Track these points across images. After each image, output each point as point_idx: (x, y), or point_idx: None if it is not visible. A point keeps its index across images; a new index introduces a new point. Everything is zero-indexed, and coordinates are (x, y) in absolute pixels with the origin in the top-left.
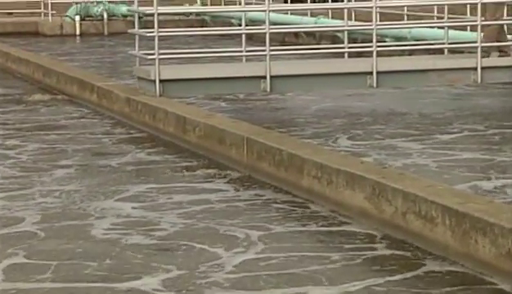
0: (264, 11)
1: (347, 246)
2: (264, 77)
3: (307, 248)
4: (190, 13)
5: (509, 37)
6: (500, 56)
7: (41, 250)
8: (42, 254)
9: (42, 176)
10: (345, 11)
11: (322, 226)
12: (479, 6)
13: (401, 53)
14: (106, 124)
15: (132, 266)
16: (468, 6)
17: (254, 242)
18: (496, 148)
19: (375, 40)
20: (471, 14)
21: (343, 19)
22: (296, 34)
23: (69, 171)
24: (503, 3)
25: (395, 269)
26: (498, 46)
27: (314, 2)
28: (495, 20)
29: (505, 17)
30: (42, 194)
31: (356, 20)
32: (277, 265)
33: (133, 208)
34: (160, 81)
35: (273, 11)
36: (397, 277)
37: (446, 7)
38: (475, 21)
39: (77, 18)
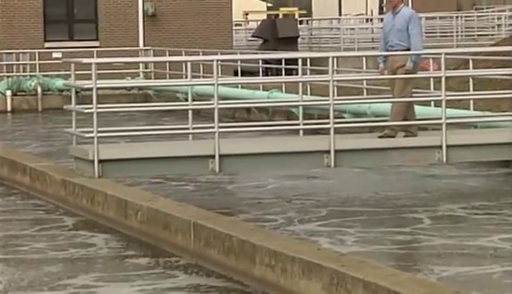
0: (212, 84)
1: None
2: (213, 157)
3: None
4: (133, 87)
5: None
6: (405, 136)
7: None
8: None
9: None
10: (300, 84)
11: None
12: (443, 80)
13: (361, 130)
14: (39, 209)
15: None
16: (431, 79)
17: None
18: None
19: (332, 116)
20: (435, 88)
21: (297, 93)
22: (247, 110)
23: None
24: (413, 79)
25: None
26: (405, 126)
27: (267, 76)
28: (402, 97)
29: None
30: None
31: (312, 94)
32: None
33: None
34: (99, 161)
35: (222, 84)
36: None
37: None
38: (439, 96)
39: (8, 93)
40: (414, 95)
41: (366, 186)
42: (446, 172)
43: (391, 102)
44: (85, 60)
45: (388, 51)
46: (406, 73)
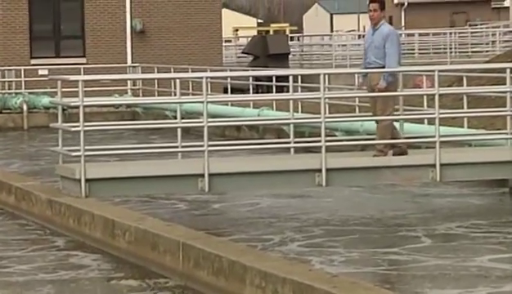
0: (202, 102)
1: None
2: (202, 176)
3: None
4: (120, 105)
5: None
6: (394, 153)
7: None
8: None
9: None
10: (291, 101)
11: None
12: (437, 98)
13: (353, 148)
14: (25, 230)
15: None
16: (425, 97)
17: None
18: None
19: (323, 134)
20: (428, 106)
21: (288, 110)
22: (237, 127)
23: None
24: (392, 98)
25: None
26: (393, 144)
27: (257, 93)
28: (387, 115)
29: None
30: None
31: (303, 111)
32: None
33: None
34: (86, 180)
35: (212, 102)
36: None
37: (401, 98)
38: (433, 113)
39: None
40: (407, 112)
41: (361, 205)
42: (444, 191)
43: (380, 120)
44: (72, 77)
45: (366, 67)
46: (379, 92)
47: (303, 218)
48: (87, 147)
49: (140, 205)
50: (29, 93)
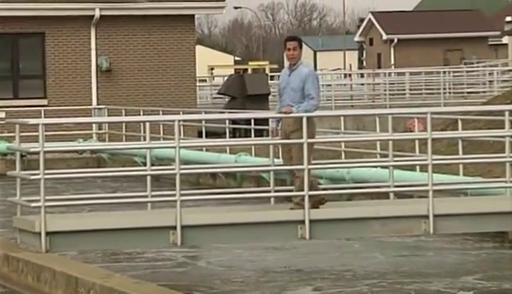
0: (174, 147)
1: None
2: (174, 228)
3: None
4: (85, 150)
5: None
6: (292, 208)
7: None
8: None
9: None
10: (271, 147)
11: None
12: (430, 142)
13: (339, 197)
14: None
15: None
16: (417, 141)
17: None
18: None
19: (306, 182)
20: (421, 151)
21: (268, 156)
22: (213, 175)
23: None
24: (311, 147)
25: None
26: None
27: (234, 137)
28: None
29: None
30: None
31: None
32: None
33: None
34: (47, 233)
35: (185, 147)
36: None
37: (390, 143)
38: (425, 160)
39: None
40: (397, 158)
41: (356, 258)
42: (444, 244)
43: (296, 170)
44: (31, 121)
45: (280, 112)
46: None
47: (289, 272)
48: (47, 197)
49: (106, 259)
50: None
